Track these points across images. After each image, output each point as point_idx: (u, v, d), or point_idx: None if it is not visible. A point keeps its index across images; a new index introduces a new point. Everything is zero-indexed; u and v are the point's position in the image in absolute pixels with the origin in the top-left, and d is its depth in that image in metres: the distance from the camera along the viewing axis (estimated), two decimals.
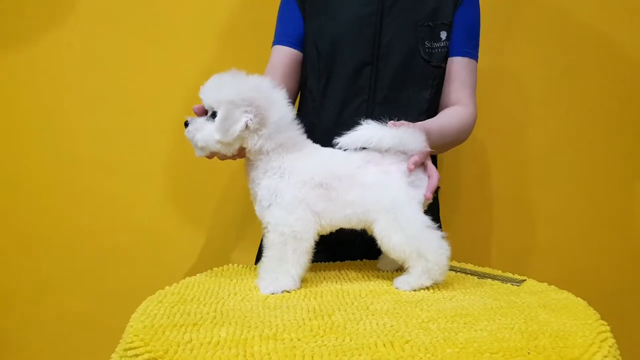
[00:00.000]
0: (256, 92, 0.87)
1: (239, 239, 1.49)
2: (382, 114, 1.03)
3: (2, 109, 1.38)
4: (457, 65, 1.10)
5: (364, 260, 1.10)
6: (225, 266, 1.04)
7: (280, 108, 0.89)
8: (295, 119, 0.92)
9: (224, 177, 1.46)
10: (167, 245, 1.46)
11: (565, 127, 1.52)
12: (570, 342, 0.64)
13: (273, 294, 0.86)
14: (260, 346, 0.63)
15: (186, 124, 0.90)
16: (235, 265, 1.05)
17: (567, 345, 0.63)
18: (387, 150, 0.91)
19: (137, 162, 1.43)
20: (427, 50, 1.07)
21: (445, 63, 1.10)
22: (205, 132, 0.88)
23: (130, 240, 1.44)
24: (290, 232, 0.87)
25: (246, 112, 0.85)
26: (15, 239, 1.41)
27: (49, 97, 1.39)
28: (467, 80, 1.11)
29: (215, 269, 1.02)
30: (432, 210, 1.05)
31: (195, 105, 0.91)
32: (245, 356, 0.61)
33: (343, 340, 0.66)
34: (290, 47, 1.14)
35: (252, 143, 0.87)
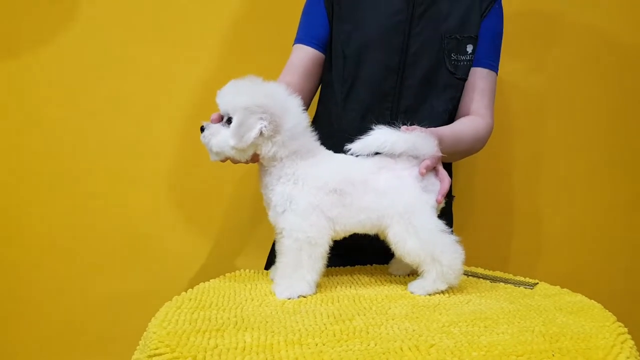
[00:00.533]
0: (271, 99, 0.88)
1: (244, 244, 1.48)
2: (405, 122, 1.02)
3: (3, 112, 1.36)
4: (478, 77, 1.11)
5: (374, 265, 1.11)
6: (237, 272, 1.03)
7: (295, 116, 0.90)
8: (310, 126, 0.93)
9: (229, 183, 1.45)
10: (170, 250, 1.44)
11: (576, 128, 1.53)
12: (593, 344, 0.65)
13: (289, 299, 0.86)
14: (287, 351, 0.64)
15: (202, 129, 0.91)
16: (247, 270, 1.04)
17: (590, 347, 0.64)
18: (399, 155, 0.91)
19: (141, 167, 1.41)
20: (452, 62, 1.08)
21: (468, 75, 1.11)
22: (220, 138, 0.88)
23: (134, 246, 1.42)
24: (305, 237, 0.87)
25: (261, 119, 0.86)
26: (17, 243, 1.38)
27: (52, 101, 1.38)
28: (487, 92, 1.11)
29: (227, 274, 1.01)
30: (446, 218, 1.07)
31: (213, 114, 0.91)
32: None
33: (368, 345, 0.66)
34: (313, 47, 1.13)
35: (266, 150, 0.88)
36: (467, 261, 0.91)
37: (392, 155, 0.92)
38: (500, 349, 0.64)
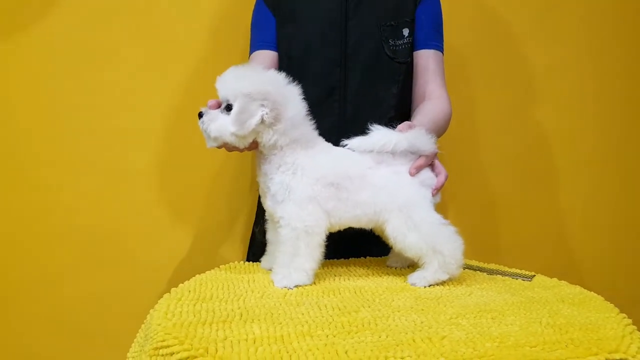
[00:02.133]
0: (273, 86, 0.87)
1: (227, 236, 1.46)
2: (354, 111, 1.09)
3: None
4: (425, 58, 1.14)
5: (367, 257, 1.10)
6: (232, 263, 1.02)
7: (296, 104, 0.89)
8: (308, 114, 0.92)
9: (212, 175, 1.42)
10: (155, 243, 1.40)
11: (567, 121, 1.55)
12: (603, 335, 0.65)
13: (286, 287, 0.85)
14: (299, 343, 0.62)
15: (200, 115, 0.88)
16: (242, 262, 1.03)
17: (601, 338, 0.64)
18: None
19: (126, 160, 1.36)
20: (391, 47, 1.11)
21: (411, 58, 1.13)
22: (219, 124, 0.86)
23: (118, 239, 1.37)
24: (303, 227, 0.86)
25: (262, 106, 0.85)
26: (7, 238, 1.32)
27: (38, 95, 1.31)
28: (438, 72, 1.14)
29: (222, 266, 1.00)
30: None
31: (210, 100, 0.89)
32: (287, 352, 0.59)
33: (379, 337, 0.65)
34: (270, 49, 1.15)
35: (267, 138, 0.87)
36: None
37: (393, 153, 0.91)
38: (513, 340, 0.64)
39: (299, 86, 0.91)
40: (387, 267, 1.02)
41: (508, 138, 1.54)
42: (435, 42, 1.14)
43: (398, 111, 1.10)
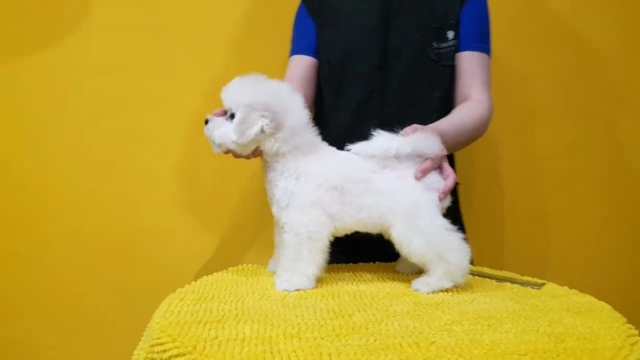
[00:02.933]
0: (274, 97, 0.89)
1: (252, 240, 1.49)
2: (394, 116, 1.06)
3: (16, 112, 1.39)
4: (467, 60, 1.10)
5: (377, 262, 1.10)
6: (240, 265, 1.04)
7: (296, 113, 0.91)
8: (311, 122, 0.93)
9: (237, 179, 1.45)
10: (178, 246, 1.45)
11: (577, 126, 1.51)
12: (600, 345, 0.63)
13: (287, 290, 0.86)
14: (285, 344, 0.63)
15: (206, 122, 0.92)
16: (250, 265, 1.05)
17: (597, 348, 0.62)
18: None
19: (149, 164, 1.43)
20: (434, 51, 1.09)
21: (455, 61, 1.10)
22: (222, 131, 0.90)
23: (141, 241, 1.44)
24: (306, 232, 0.88)
25: (263, 116, 0.87)
26: (28, 239, 1.41)
27: (62, 100, 1.40)
28: (478, 74, 1.10)
29: (230, 268, 1.02)
30: (453, 207, 1.04)
31: (217, 109, 0.93)
32: (272, 353, 0.60)
33: (367, 341, 0.65)
34: (307, 55, 1.16)
35: (269, 146, 0.89)
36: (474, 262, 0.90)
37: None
38: (503, 347, 0.63)
39: (300, 95, 0.93)
40: (396, 272, 1.02)
41: (519, 141, 1.51)
42: (479, 43, 1.11)
43: (442, 115, 1.06)
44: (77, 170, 1.41)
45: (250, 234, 1.47)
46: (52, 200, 1.41)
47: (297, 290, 0.87)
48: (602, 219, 1.53)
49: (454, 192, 1.19)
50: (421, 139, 0.91)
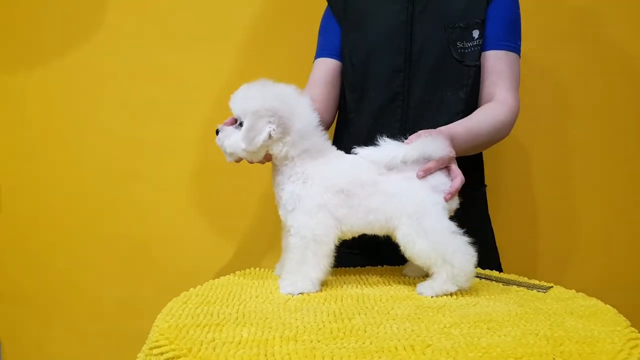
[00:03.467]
0: (279, 102, 0.90)
1: (270, 245, 1.48)
2: (417, 118, 1.07)
3: (32, 119, 1.44)
4: (493, 59, 1.08)
5: (385, 266, 1.10)
6: (248, 269, 1.05)
7: (304, 116, 0.92)
8: (319, 124, 0.94)
9: (252, 183, 1.47)
10: (195, 252, 1.48)
11: (610, 126, 1.48)
12: (598, 349, 0.62)
13: (291, 294, 0.87)
14: (281, 347, 0.64)
15: (217, 132, 0.94)
16: (257, 268, 1.06)
17: (595, 352, 0.61)
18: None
19: (165, 170, 1.46)
20: (459, 50, 1.07)
21: (480, 61, 1.09)
22: (232, 140, 0.92)
23: (158, 247, 1.47)
24: (312, 235, 0.88)
25: (269, 122, 0.88)
26: (45, 243, 1.45)
27: (76, 107, 1.44)
28: (504, 74, 1.07)
29: (238, 272, 1.03)
30: (481, 209, 1.01)
31: (228, 118, 0.95)
32: (266, 356, 0.61)
33: (363, 343, 0.65)
34: (332, 58, 1.17)
35: (277, 150, 0.90)
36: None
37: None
38: (499, 350, 0.62)
39: (307, 98, 0.94)
40: (403, 276, 1.01)
41: (548, 144, 1.49)
42: (506, 42, 1.08)
43: (466, 116, 1.05)
44: (92, 177, 1.45)
45: (268, 239, 1.48)
46: (67, 207, 1.45)
47: (300, 293, 0.88)
48: (634, 220, 1.49)
49: (482, 196, 1.19)
50: (426, 143, 0.90)
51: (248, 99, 0.90)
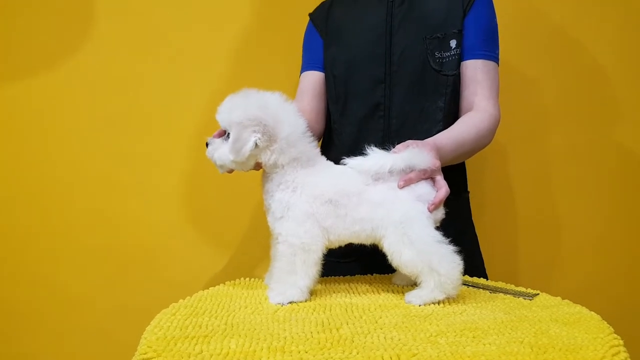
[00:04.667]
0: (264, 110, 0.90)
1: (261, 255, 1.49)
2: (399, 127, 1.08)
3: (20, 130, 1.43)
4: (471, 69, 1.10)
5: (374, 274, 1.10)
6: (237, 280, 1.05)
7: (290, 123, 0.92)
8: (307, 132, 0.94)
9: (245, 193, 1.47)
10: (188, 262, 1.48)
11: (585, 132, 1.51)
12: (581, 356, 0.63)
13: (281, 304, 0.87)
14: (268, 358, 0.64)
15: (207, 145, 0.95)
16: (247, 279, 1.06)
17: (577, 359, 0.62)
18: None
19: (155, 180, 1.46)
20: (437, 60, 1.09)
21: (458, 70, 1.10)
22: (220, 152, 0.93)
23: (149, 257, 1.47)
24: (300, 243, 0.89)
25: (254, 131, 0.89)
26: (35, 253, 1.45)
27: (70, 118, 1.44)
28: (483, 82, 1.09)
29: (227, 282, 1.03)
30: (464, 216, 1.01)
31: (216, 131, 0.95)
32: None
33: (350, 354, 0.66)
34: (317, 70, 1.19)
35: (266, 158, 0.91)
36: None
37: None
38: (484, 359, 0.63)
39: (292, 105, 0.94)
40: (392, 284, 1.02)
41: (529, 147, 1.51)
42: (484, 50, 1.10)
43: (446, 125, 1.07)
44: (82, 187, 1.44)
45: (259, 249, 1.48)
46: (57, 217, 1.44)
47: (290, 302, 0.88)
48: (616, 224, 1.51)
49: (465, 202, 1.21)
50: (414, 154, 0.92)
51: (232, 110, 0.91)
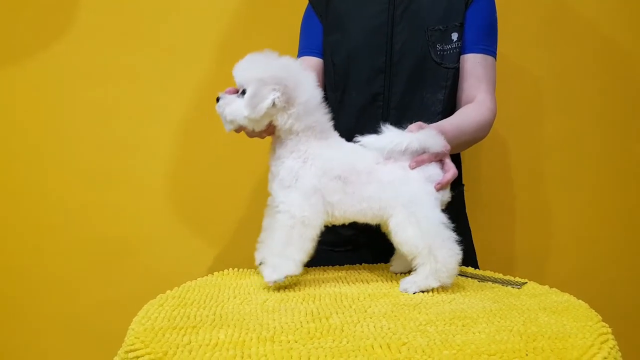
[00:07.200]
0: (285, 71, 0.89)
1: (250, 246, 1.49)
2: (397, 118, 1.08)
3: (5, 120, 1.40)
4: (471, 62, 1.10)
5: (363, 264, 1.10)
6: (226, 270, 1.04)
7: (309, 89, 0.91)
8: (323, 103, 0.93)
9: (232, 186, 1.46)
10: (177, 253, 1.46)
11: (582, 124, 1.51)
12: (569, 344, 0.63)
13: (277, 281, 0.87)
14: (258, 348, 0.64)
15: (218, 99, 0.93)
16: (236, 269, 1.05)
17: (566, 347, 0.62)
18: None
19: (142, 171, 1.44)
20: (438, 52, 1.09)
21: (459, 63, 1.10)
22: (234, 107, 0.90)
23: (136, 248, 1.45)
24: (301, 216, 0.88)
25: (274, 90, 0.87)
26: (20, 245, 1.42)
27: (51, 108, 1.41)
28: (483, 76, 1.10)
29: (215, 273, 1.02)
30: (458, 210, 1.01)
31: (228, 88, 0.93)
32: (242, 357, 0.61)
33: (340, 343, 0.66)
34: (315, 56, 1.17)
35: (282, 121, 0.89)
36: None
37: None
38: (473, 347, 0.63)
39: (313, 73, 0.93)
40: (391, 272, 1.02)
41: (524, 142, 1.51)
42: (484, 45, 1.10)
43: (444, 117, 1.07)
44: (69, 178, 1.42)
45: (248, 240, 1.46)
46: (43, 208, 1.42)
47: (286, 276, 0.87)
48: (612, 216, 1.53)
49: (459, 195, 1.21)
50: (428, 136, 0.92)
51: (253, 66, 0.89)
